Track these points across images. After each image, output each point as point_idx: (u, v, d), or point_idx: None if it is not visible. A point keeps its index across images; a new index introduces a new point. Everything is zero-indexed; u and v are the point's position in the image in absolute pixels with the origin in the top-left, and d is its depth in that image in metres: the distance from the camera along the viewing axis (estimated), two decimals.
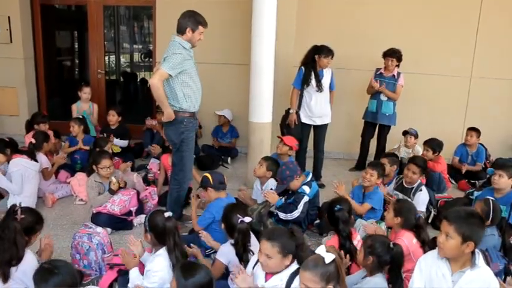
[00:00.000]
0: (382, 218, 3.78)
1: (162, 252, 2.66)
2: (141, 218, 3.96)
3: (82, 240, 3.17)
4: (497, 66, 6.19)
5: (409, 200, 3.94)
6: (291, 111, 5.05)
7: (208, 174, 3.53)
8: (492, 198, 3.44)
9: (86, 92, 5.91)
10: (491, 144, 5.93)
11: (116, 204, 3.94)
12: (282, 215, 3.76)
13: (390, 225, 3.26)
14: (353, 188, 4.30)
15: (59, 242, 3.59)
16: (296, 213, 3.74)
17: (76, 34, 7.87)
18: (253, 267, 2.57)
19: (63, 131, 5.61)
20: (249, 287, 2.42)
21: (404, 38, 5.84)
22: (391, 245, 2.56)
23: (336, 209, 3.15)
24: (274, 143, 4.93)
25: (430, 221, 4.19)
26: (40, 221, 2.76)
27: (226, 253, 2.84)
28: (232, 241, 2.84)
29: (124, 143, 5.60)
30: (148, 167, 5.09)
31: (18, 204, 2.63)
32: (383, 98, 5.54)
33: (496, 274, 2.46)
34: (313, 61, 4.99)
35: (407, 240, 2.93)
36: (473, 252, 2.25)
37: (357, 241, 3.10)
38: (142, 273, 2.73)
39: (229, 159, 6.08)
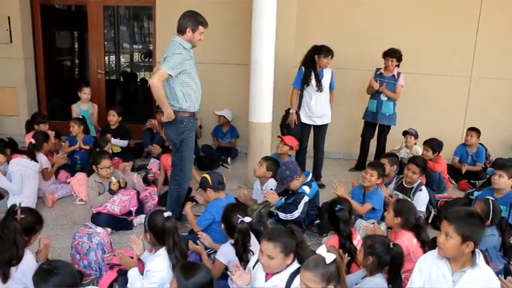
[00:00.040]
0: (382, 218, 3.78)
1: (162, 252, 2.66)
2: (141, 218, 3.96)
3: (82, 240, 3.17)
4: (497, 66, 6.19)
5: (409, 200, 3.94)
6: (291, 111, 5.05)
7: (206, 175, 3.52)
8: (492, 198, 3.44)
9: (85, 93, 5.91)
10: (491, 144, 5.93)
11: (116, 204, 3.94)
12: (282, 215, 3.76)
13: (390, 225, 3.25)
14: (353, 188, 4.30)
15: (59, 242, 3.60)
16: (296, 214, 3.74)
17: (76, 34, 7.87)
18: (253, 267, 2.57)
19: (63, 131, 5.60)
20: (247, 284, 2.42)
21: (404, 38, 5.84)
22: (391, 245, 2.56)
23: (336, 208, 3.15)
24: (274, 143, 4.94)
25: (430, 221, 4.19)
26: (40, 221, 2.76)
27: (226, 253, 2.84)
28: (232, 241, 2.83)
29: (124, 143, 5.60)
30: (148, 167, 5.09)
31: (18, 204, 2.63)
32: (383, 98, 5.54)
33: (496, 274, 2.45)
34: (313, 61, 4.99)
35: (407, 241, 2.93)
36: (473, 252, 2.25)
37: (357, 241, 3.11)
38: (142, 273, 2.73)
39: (229, 159, 6.08)
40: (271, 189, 3.95)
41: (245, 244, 2.79)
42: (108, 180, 4.06)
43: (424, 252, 2.74)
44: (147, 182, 4.78)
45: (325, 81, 5.06)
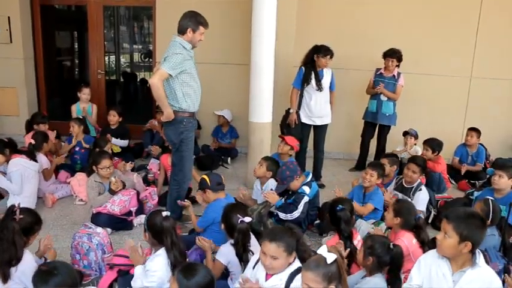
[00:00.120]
0: (383, 218, 3.78)
1: (161, 252, 2.66)
2: (141, 218, 3.96)
3: (82, 240, 3.17)
4: (497, 66, 6.19)
5: (409, 200, 3.94)
6: (291, 111, 5.05)
7: (205, 176, 3.52)
8: (492, 198, 3.44)
9: (85, 93, 5.90)
10: (491, 144, 5.93)
11: (116, 205, 3.93)
12: (282, 215, 3.76)
13: (390, 225, 3.26)
14: (353, 188, 4.30)
15: (58, 242, 3.59)
16: (296, 214, 3.74)
17: (76, 34, 7.87)
18: (253, 268, 2.57)
19: (63, 131, 5.60)
20: None
21: (404, 38, 5.85)
22: (391, 246, 2.56)
23: (338, 208, 3.15)
24: (274, 143, 4.94)
25: (430, 221, 4.20)
26: (39, 221, 2.76)
27: (226, 253, 2.84)
28: (232, 241, 2.83)
29: (124, 143, 5.60)
30: (148, 167, 5.08)
31: (16, 205, 2.63)
32: (383, 98, 5.54)
33: (496, 274, 2.45)
34: (313, 61, 5.00)
35: (407, 241, 2.94)
36: (473, 252, 2.24)
37: (357, 241, 3.11)
38: None
39: (229, 159, 6.08)
40: (271, 189, 3.95)
41: (245, 244, 2.79)
42: (108, 180, 4.06)
43: (424, 252, 2.74)
44: (147, 182, 4.78)
45: (325, 81, 5.06)
